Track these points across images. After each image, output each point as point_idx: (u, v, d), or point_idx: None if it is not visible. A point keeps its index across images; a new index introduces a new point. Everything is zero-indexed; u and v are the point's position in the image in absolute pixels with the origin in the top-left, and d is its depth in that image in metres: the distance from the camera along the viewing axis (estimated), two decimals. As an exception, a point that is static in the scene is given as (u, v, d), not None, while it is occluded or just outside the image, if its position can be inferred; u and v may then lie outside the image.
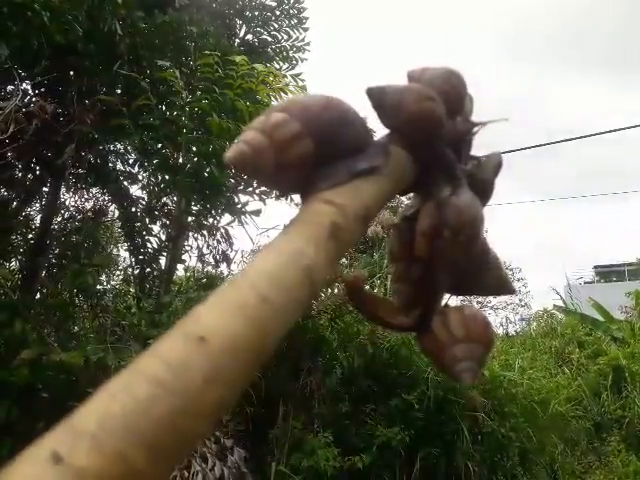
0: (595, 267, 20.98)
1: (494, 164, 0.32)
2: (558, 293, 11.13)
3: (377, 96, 0.29)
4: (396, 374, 4.60)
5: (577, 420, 6.05)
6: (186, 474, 3.04)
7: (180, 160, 4.10)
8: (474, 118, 0.35)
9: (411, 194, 0.32)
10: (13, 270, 3.71)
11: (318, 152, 0.26)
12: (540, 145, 6.34)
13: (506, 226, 28.14)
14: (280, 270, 0.21)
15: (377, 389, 4.50)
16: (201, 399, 0.18)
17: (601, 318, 8.87)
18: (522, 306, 14.84)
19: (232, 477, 3.22)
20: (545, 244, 28.15)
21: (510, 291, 0.35)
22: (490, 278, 0.33)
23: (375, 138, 0.30)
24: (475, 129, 0.32)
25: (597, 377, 7.11)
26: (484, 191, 0.31)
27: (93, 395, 0.19)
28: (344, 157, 0.27)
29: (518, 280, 15.52)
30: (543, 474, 5.36)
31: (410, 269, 0.30)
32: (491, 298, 15.99)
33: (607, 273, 20.93)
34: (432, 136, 0.28)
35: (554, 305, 10.47)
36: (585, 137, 5.79)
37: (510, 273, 15.78)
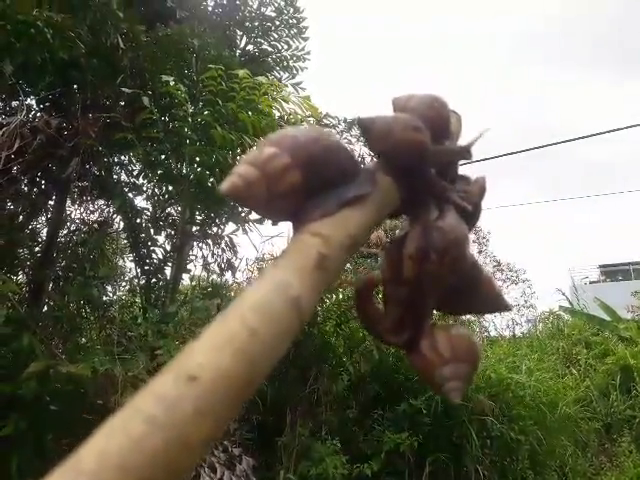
0: (601, 266, 20.89)
1: (479, 187, 0.34)
2: (564, 294, 11.08)
3: (366, 125, 0.31)
4: (403, 379, 4.60)
5: (586, 421, 6.01)
6: (195, 484, 3.05)
7: (184, 171, 4.13)
8: (462, 138, 0.37)
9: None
10: (20, 283, 3.74)
11: (308, 183, 0.28)
12: (542, 146, 6.34)
13: (510, 227, 28.11)
14: (268, 302, 0.23)
15: (384, 394, 4.50)
16: (191, 434, 0.19)
17: (608, 318, 8.83)
18: (528, 307, 14.80)
19: (241, 486, 3.22)
20: (550, 244, 28.08)
21: (505, 308, 0.37)
22: (484, 297, 0.35)
23: (363, 166, 0.31)
24: (462, 150, 0.33)
25: (605, 377, 7.07)
26: (471, 214, 0.33)
27: (94, 434, 0.20)
28: (334, 186, 0.29)
29: (523, 281, 15.48)
30: (554, 477, 5.33)
31: (398, 291, 0.31)
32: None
33: (613, 272, 20.83)
34: (418, 163, 0.30)
35: (560, 306, 10.43)
36: (588, 137, 5.79)
37: (514, 274, 15.74)
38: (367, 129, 0.30)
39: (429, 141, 0.30)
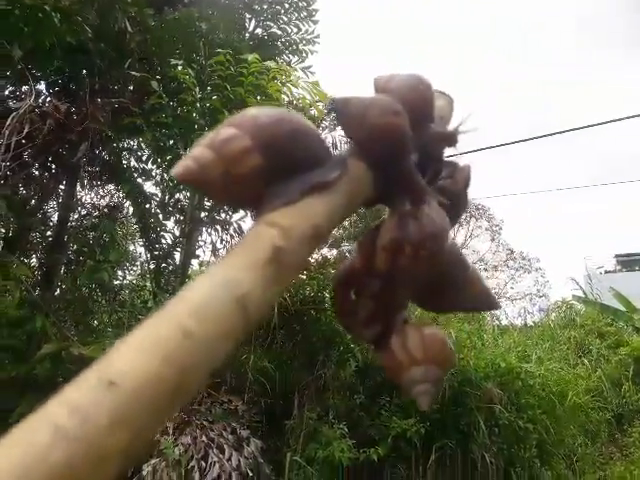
0: (616, 256, 20.61)
1: (465, 176, 0.32)
2: (577, 283, 10.96)
3: (340, 107, 0.28)
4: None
5: (597, 411, 5.97)
6: (203, 464, 3.10)
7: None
8: (453, 120, 0.35)
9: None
10: (33, 267, 3.80)
11: (269, 168, 0.26)
12: (552, 134, 6.24)
13: (525, 215, 27.79)
14: (210, 301, 0.21)
15: (393, 382, 4.51)
16: (107, 445, 0.18)
17: (623, 308, 8.71)
18: (540, 296, 14.69)
19: (248, 467, 3.26)
20: (565, 233, 27.72)
21: (494, 306, 0.35)
22: (470, 294, 0.33)
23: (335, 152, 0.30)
24: (447, 136, 0.32)
25: (618, 368, 7.00)
26: (456, 203, 0.31)
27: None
28: (300, 172, 0.26)
29: (536, 270, 15.35)
30: (562, 465, 5.32)
31: (371, 283, 0.30)
32: (508, 288, 15.85)
33: (629, 262, 20.54)
34: (395, 151, 0.27)
35: (573, 295, 10.32)
36: (599, 124, 5.67)
37: (527, 263, 15.61)
38: (340, 111, 0.28)
39: (408, 126, 0.27)
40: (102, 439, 0.18)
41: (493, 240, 15.67)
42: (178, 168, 0.25)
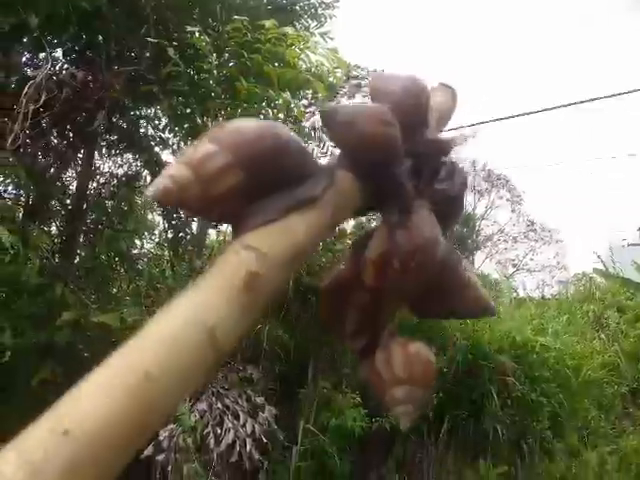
0: (641, 228, 20.11)
1: (462, 180, 0.30)
2: (599, 256, 10.76)
3: (328, 117, 0.27)
4: (425, 339, 4.62)
5: (612, 385, 5.96)
6: (219, 430, 3.19)
7: (209, 125, 4.11)
8: (458, 113, 0.34)
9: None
10: (53, 235, 3.86)
11: (251, 185, 0.24)
12: (574, 103, 6.02)
13: (546, 186, 27.25)
14: (176, 335, 0.20)
15: (406, 353, 4.54)
16: None
17: (645, 282, 8.55)
18: (560, 269, 14.52)
19: (262, 433, 3.34)
20: (588, 205, 27.09)
21: (489, 313, 0.34)
22: (467, 300, 0.32)
23: (323, 163, 0.28)
24: (443, 144, 0.30)
25: (636, 342, 6.94)
26: (452, 208, 0.30)
27: None
28: (285, 188, 0.25)
29: (556, 242, 15.12)
30: (574, 438, 5.36)
31: (359, 295, 0.29)
32: (528, 260, 15.69)
33: (654, 235, 20.04)
34: (385, 161, 0.26)
35: (594, 268, 10.15)
36: (627, 93, 5.44)
37: (548, 235, 15.37)
38: (328, 121, 0.27)
39: (399, 136, 0.26)
40: None
41: (514, 211, 15.44)
42: (155, 188, 0.24)
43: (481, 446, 4.49)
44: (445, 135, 0.31)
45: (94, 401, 0.19)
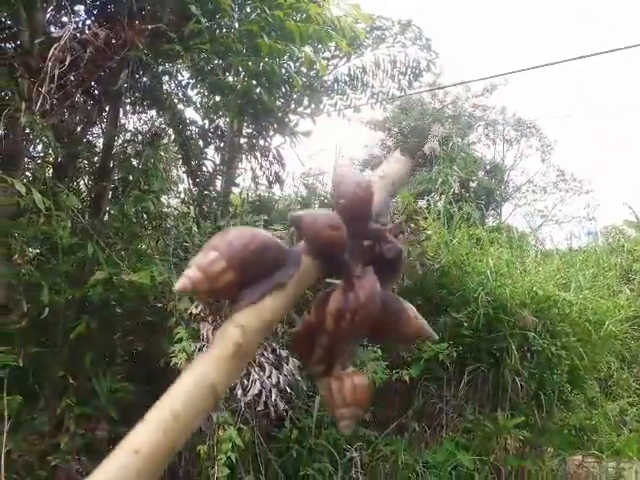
0: (678, 177, 19.36)
1: (395, 250, 0.42)
2: (631, 207, 10.49)
3: (296, 222, 0.40)
4: (446, 293, 4.67)
5: (635, 340, 5.97)
6: (245, 382, 3.36)
7: (230, 79, 4.07)
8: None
9: None
10: (82, 192, 3.97)
11: (241, 279, 0.36)
12: (608, 51, 5.70)
13: (578, 136, 26.22)
14: (189, 391, 0.31)
15: (426, 308, 4.61)
16: None
17: (677, 234, 8.36)
18: (590, 219, 14.20)
19: (287, 384, 3.50)
20: (622, 155, 25.98)
21: (429, 338, 0.44)
22: (408, 329, 0.43)
23: (292, 248, 0.40)
24: (380, 233, 0.42)
25: (663, 296, 6.86)
26: (392, 267, 0.42)
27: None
28: (267, 274, 0.37)
29: (587, 192, 14.72)
30: (593, 390, 5.43)
31: (321, 337, 0.40)
32: (556, 212, 15.36)
33: (691, 184, 19.30)
34: (333, 251, 0.39)
35: (624, 220, 9.92)
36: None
37: (578, 185, 14.95)
38: (297, 224, 0.39)
39: (344, 235, 0.39)
40: None
41: (544, 161, 14.99)
42: (179, 284, 0.36)
43: (500, 398, 4.61)
44: (383, 224, 0.42)
45: (148, 434, 0.30)
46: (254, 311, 0.35)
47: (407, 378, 4.03)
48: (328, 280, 0.42)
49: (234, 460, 3.08)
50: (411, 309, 0.42)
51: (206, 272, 0.35)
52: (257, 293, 0.36)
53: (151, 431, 0.30)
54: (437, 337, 0.45)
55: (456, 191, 6.50)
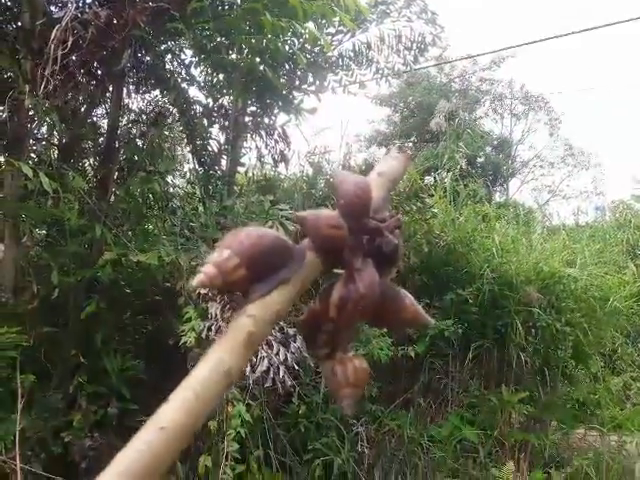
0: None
1: (392, 244, 0.44)
2: (639, 182, 10.40)
3: (301, 220, 0.43)
4: (452, 271, 4.69)
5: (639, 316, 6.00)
6: (254, 359, 3.41)
7: (233, 57, 4.03)
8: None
9: None
10: (87, 174, 3.98)
11: (252, 274, 0.40)
12: (617, 22, 5.56)
13: (587, 111, 25.77)
14: (208, 375, 0.35)
15: (432, 285, 4.64)
16: (165, 457, 0.33)
17: (684, 209, 8.29)
18: (597, 194, 14.09)
19: (294, 361, 3.56)
20: (629, 129, 25.53)
21: (426, 324, 0.47)
22: (406, 315, 0.45)
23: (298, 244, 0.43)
24: (378, 230, 0.44)
25: (669, 271, 6.85)
26: (390, 259, 0.44)
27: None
28: (275, 271, 0.41)
29: (595, 166, 14.57)
30: (597, 366, 5.48)
31: (326, 324, 0.43)
32: (563, 186, 15.25)
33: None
34: (335, 248, 0.42)
35: (632, 195, 9.85)
36: None
37: (586, 159, 14.79)
38: (302, 223, 0.43)
39: (345, 233, 0.42)
40: (163, 455, 0.33)
41: (551, 135, 14.81)
42: (196, 280, 0.39)
43: (504, 373, 4.67)
44: (381, 220, 0.44)
45: (172, 411, 0.34)
46: (264, 303, 0.39)
47: (413, 354, 4.08)
48: (335, 270, 0.45)
49: (243, 435, 3.15)
50: (408, 297, 0.45)
51: (220, 268, 0.39)
52: (266, 287, 0.40)
53: (175, 410, 0.34)
54: (432, 322, 0.47)
55: (463, 167, 6.47)
